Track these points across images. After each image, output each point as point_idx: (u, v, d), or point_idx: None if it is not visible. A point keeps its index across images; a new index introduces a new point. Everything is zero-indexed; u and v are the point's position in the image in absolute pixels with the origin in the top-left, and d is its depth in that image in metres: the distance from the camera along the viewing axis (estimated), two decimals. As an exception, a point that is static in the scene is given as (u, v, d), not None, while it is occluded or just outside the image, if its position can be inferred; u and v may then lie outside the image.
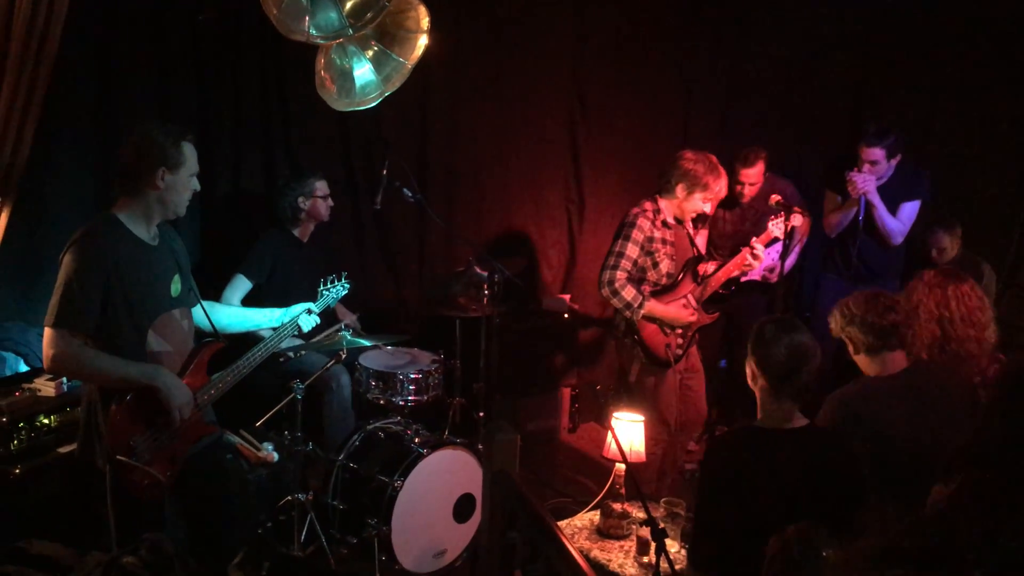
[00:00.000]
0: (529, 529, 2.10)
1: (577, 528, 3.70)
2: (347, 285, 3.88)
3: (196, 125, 4.45)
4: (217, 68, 4.59)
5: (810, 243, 5.15)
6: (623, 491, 3.69)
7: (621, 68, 5.75)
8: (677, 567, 3.16)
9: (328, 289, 3.78)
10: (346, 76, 3.49)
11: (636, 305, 4.24)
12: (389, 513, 3.78)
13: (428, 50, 3.50)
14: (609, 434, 3.71)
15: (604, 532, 3.63)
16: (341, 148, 5.11)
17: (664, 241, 4.32)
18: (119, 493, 2.86)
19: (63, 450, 3.53)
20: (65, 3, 3.51)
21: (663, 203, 4.34)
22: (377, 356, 4.34)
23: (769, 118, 5.91)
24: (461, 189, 5.59)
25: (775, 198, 4.44)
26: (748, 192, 5.11)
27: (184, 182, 2.98)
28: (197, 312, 3.25)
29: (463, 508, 4.06)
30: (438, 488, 4.00)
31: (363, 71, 3.52)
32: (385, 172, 4.25)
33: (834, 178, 4.87)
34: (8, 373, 3.78)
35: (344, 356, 3.97)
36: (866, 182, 4.59)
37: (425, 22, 3.46)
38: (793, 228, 4.26)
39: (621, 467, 3.70)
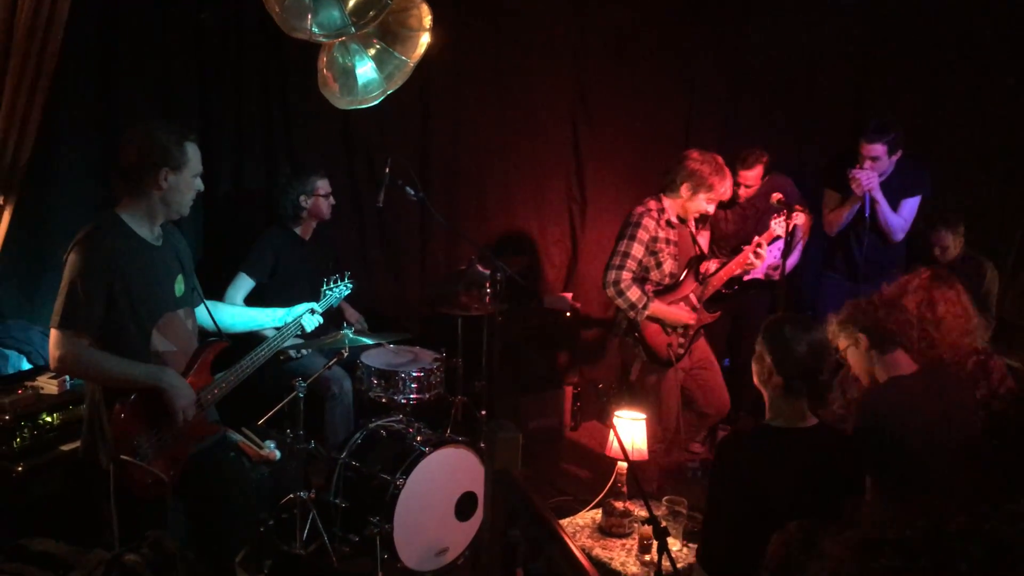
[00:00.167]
0: (531, 528, 2.10)
1: (579, 526, 3.71)
2: (350, 285, 3.88)
3: (198, 124, 4.46)
4: (219, 67, 4.59)
5: (811, 242, 5.15)
6: (625, 489, 3.70)
7: (623, 66, 5.75)
8: (679, 565, 3.16)
9: (331, 289, 3.78)
10: (348, 74, 3.50)
11: (641, 306, 4.24)
12: (391, 511, 3.78)
13: (430, 48, 3.51)
14: (611, 432, 3.71)
15: (606, 530, 3.64)
16: (343, 146, 5.12)
17: (668, 241, 4.32)
18: (122, 492, 2.87)
19: (65, 448, 3.54)
20: (67, 3, 3.52)
21: (667, 202, 4.35)
22: (379, 354, 4.35)
23: (770, 116, 5.90)
24: (463, 187, 5.59)
25: (776, 196, 4.44)
26: (744, 193, 5.11)
27: (187, 182, 2.97)
28: (200, 312, 3.25)
29: (465, 506, 4.06)
30: (440, 486, 4.00)
31: (365, 69, 3.52)
32: (387, 170, 4.25)
33: (833, 176, 4.87)
34: (10, 371, 3.78)
35: (346, 355, 3.97)
36: (870, 179, 4.58)
37: (427, 20, 3.46)
38: (795, 226, 4.26)
39: (623, 465, 3.70)
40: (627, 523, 3.63)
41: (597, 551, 3.51)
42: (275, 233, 4.50)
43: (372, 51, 3.50)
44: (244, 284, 4.33)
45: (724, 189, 4.29)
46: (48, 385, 3.61)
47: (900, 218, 4.75)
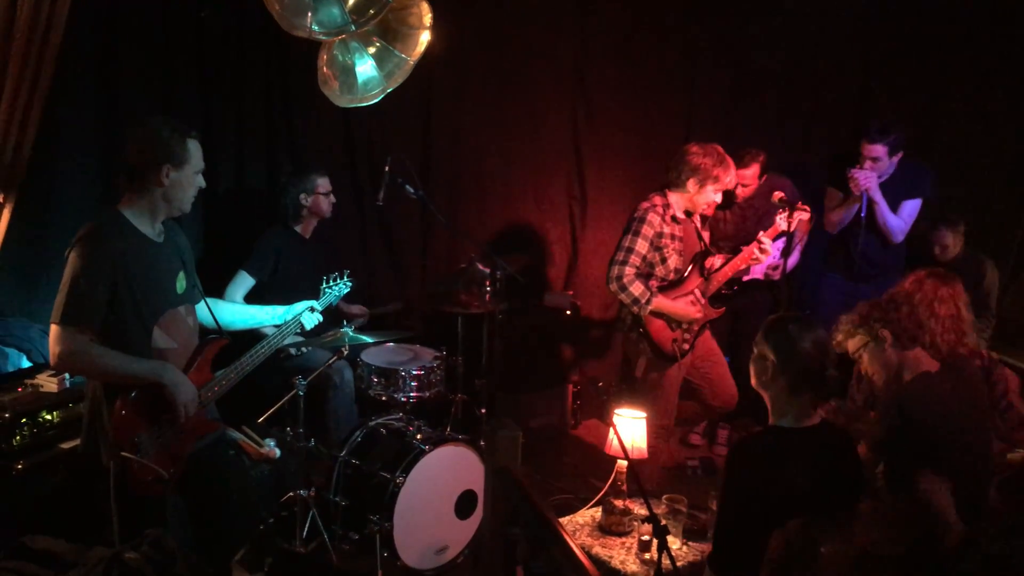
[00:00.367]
0: (531, 525, 2.10)
1: (579, 525, 3.71)
2: (350, 283, 3.88)
3: (199, 122, 4.46)
4: (220, 65, 4.59)
5: (811, 241, 5.15)
6: (625, 488, 3.70)
7: (624, 64, 5.74)
8: (679, 564, 3.16)
9: (331, 287, 3.78)
10: (348, 72, 3.50)
11: (644, 301, 4.24)
12: (391, 509, 3.79)
13: (430, 46, 3.50)
14: (611, 430, 3.71)
15: (606, 529, 3.64)
16: (344, 144, 5.12)
17: (673, 236, 4.33)
18: (123, 489, 2.87)
19: (66, 446, 3.54)
20: (67, 1, 3.52)
21: (673, 197, 4.35)
22: (379, 352, 4.35)
23: (772, 115, 5.90)
24: (463, 185, 5.59)
25: (778, 195, 4.44)
26: (742, 192, 5.11)
27: (189, 179, 2.97)
28: (201, 309, 3.25)
29: (465, 504, 4.06)
30: (440, 484, 4.00)
31: (365, 67, 3.52)
32: (387, 168, 4.24)
33: (835, 175, 4.87)
34: (10, 369, 3.78)
35: (346, 352, 3.98)
36: (868, 179, 4.58)
37: (427, 18, 3.46)
38: (796, 226, 4.26)
39: (623, 464, 3.70)
40: (627, 521, 3.63)
41: (597, 549, 3.51)
42: (276, 232, 4.50)
43: (372, 49, 3.49)
44: (244, 282, 4.34)
45: (730, 178, 4.31)
46: (48, 383, 3.61)
47: (900, 220, 4.75)
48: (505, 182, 5.69)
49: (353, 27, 3.06)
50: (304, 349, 4.33)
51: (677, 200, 4.35)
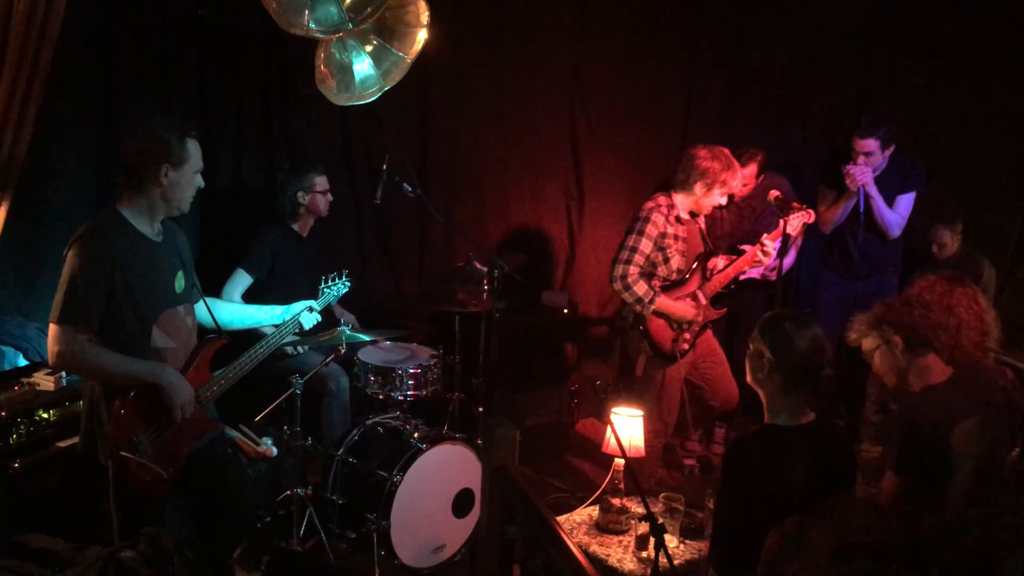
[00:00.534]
0: (528, 524, 2.10)
1: (576, 523, 3.71)
2: (348, 283, 3.88)
3: (197, 120, 4.45)
4: (218, 63, 4.59)
5: (807, 241, 5.14)
6: (622, 486, 3.70)
7: (622, 62, 5.74)
8: (676, 562, 3.17)
9: (329, 287, 3.78)
10: (345, 70, 3.49)
11: (647, 300, 4.26)
12: (388, 508, 3.79)
13: (427, 45, 3.50)
14: (608, 429, 3.71)
15: (603, 527, 3.64)
16: (341, 143, 5.11)
17: (676, 237, 4.35)
18: (121, 488, 2.87)
19: (62, 444, 3.53)
20: (64, -1, 3.52)
21: (678, 198, 4.37)
22: (376, 351, 4.35)
23: (770, 114, 5.90)
24: (461, 184, 5.58)
25: (774, 194, 4.44)
26: (739, 192, 5.11)
27: (188, 179, 2.97)
28: (200, 308, 3.25)
29: (462, 503, 4.07)
30: (437, 483, 4.00)
31: (362, 65, 3.52)
32: (385, 167, 4.24)
33: (827, 173, 4.87)
34: (7, 367, 3.78)
35: (343, 351, 3.97)
36: (863, 174, 4.59)
37: (425, 17, 3.45)
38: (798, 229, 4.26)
39: (620, 462, 3.70)
40: (624, 520, 3.63)
41: (594, 548, 3.51)
42: (273, 230, 4.50)
43: (369, 47, 3.49)
44: (242, 280, 4.33)
45: (736, 182, 4.34)
46: (44, 381, 3.61)
47: (896, 214, 4.75)
48: (503, 181, 5.69)
49: (350, 25, 3.05)
50: (301, 348, 4.33)
51: (682, 201, 4.37)
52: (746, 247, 4.57)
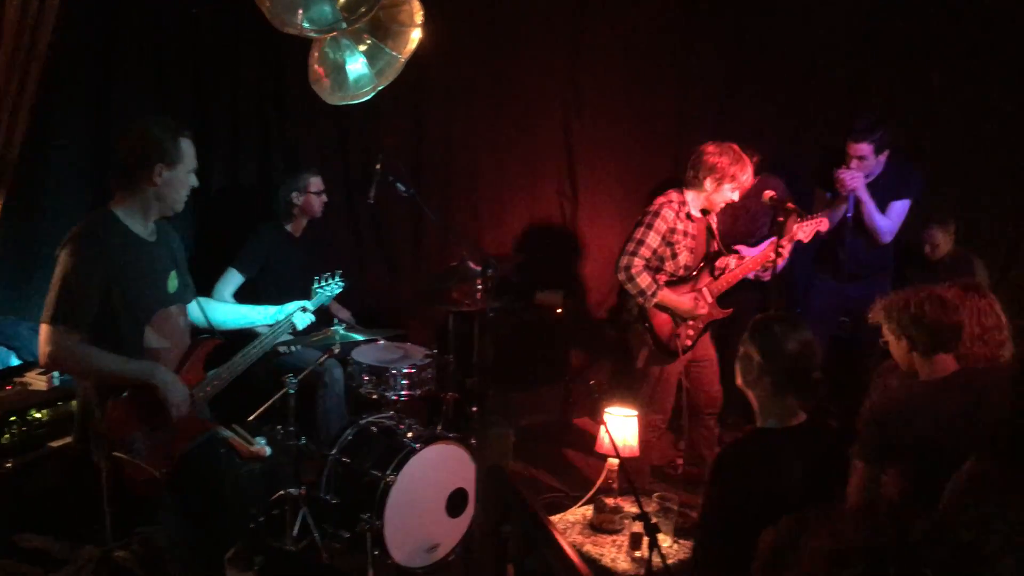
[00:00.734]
0: (522, 524, 2.10)
1: (570, 523, 3.71)
2: (341, 283, 3.87)
3: (191, 119, 4.44)
4: (212, 63, 4.58)
5: (800, 242, 5.15)
6: (616, 486, 3.70)
7: (617, 61, 5.74)
8: (669, 562, 3.17)
9: (322, 287, 3.77)
10: (339, 70, 3.49)
11: (649, 293, 4.29)
12: (382, 507, 3.78)
13: (422, 44, 3.50)
14: (602, 429, 3.71)
15: (597, 527, 3.64)
16: (335, 142, 5.11)
17: (686, 233, 4.38)
18: (115, 488, 2.86)
19: (55, 444, 3.53)
20: (56, -2, 3.51)
21: (689, 195, 4.40)
22: (370, 351, 4.34)
23: (765, 114, 5.91)
24: (455, 183, 5.58)
25: (768, 194, 4.45)
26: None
27: (182, 178, 2.96)
28: (193, 308, 3.25)
29: (456, 503, 4.06)
30: (431, 482, 4.00)
31: (356, 65, 3.51)
32: (379, 166, 4.24)
33: (823, 175, 4.87)
34: None
35: (337, 351, 3.97)
36: (854, 179, 4.57)
37: (419, 16, 3.45)
38: (783, 223, 4.26)
39: (614, 462, 3.70)
40: (618, 519, 3.63)
41: (588, 547, 3.51)
42: (267, 230, 4.49)
43: (363, 47, 3.49)
44: (233, 279, 4.33)
45: (746, 177, 4.34)
46: (37, 381, 3.61)
47: (888, 220, 4.73)
48: (497, 180, 5.69)
49: (344, 24, 3.05)
50: (295, 348, 4.33)
51: (694, 198, 4.39)
52: (740, 247, 4.59)
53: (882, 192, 4.70)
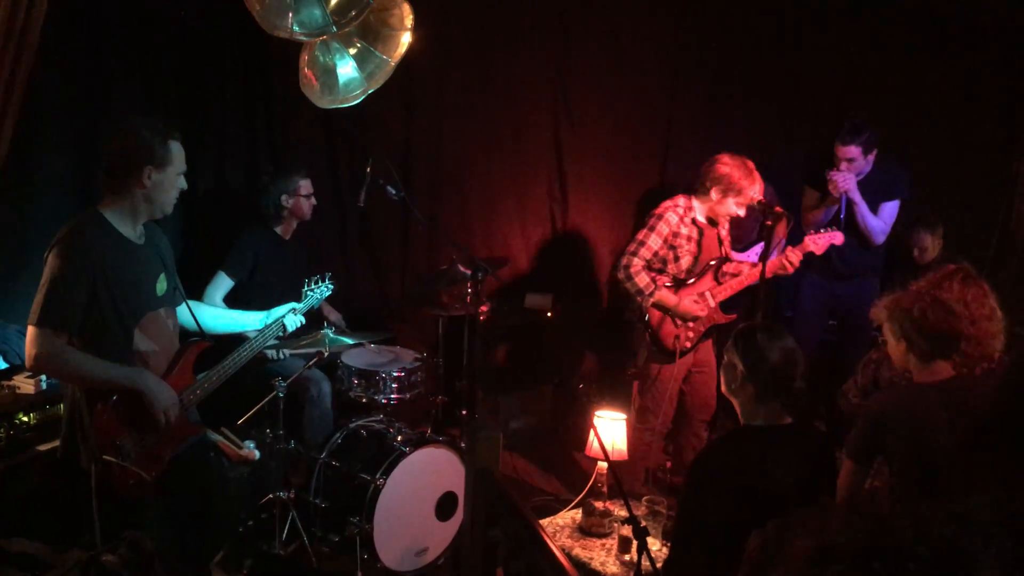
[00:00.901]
0: (511, 527, 2.10)
1: (559, 526, 3.71)
2: (331, 286, 3.87)
3: (180, 122, 4.43)
4: (202, 64, 4.57)
5: (790, 242, 5.17)
6: (605, 489, 3.71)
7: (605, 65, 5.75)
8: (658, 565, 3.17)
9: (312, 290, 3.77)
10: (329, 73, 3.49)
11: (647, 293, 4.33)
12: (371, 511, 3.78)
13: (412, 48, 3.50)
14: (591, 432, 3.72)
15: (586, 530, 3.64)
16: (325, 145, 5.11)
17: (690, 238, 4.42)
18: (103, 492, 2.85)
19: (43, 448, 3.51)
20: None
21: (696, 202, 4.44)
22: (360, 354, 4.34)
23: (754, 117, 5.92)
24: (445, 186, 5.58)
25: (756, 198, 4.46)
26: None
27: (171, 181, 2.95)
28: (182, 311, 3.24)
29: (445, 506, 4.06)
30: (420, 486, 4.00)
31: (346, 68, 3.52)
32: (369, 169, 4.24)
33: (812, 174, 4.89)
34: (-13, 370, 3.75)
35: (326, 355, 3.96)
36: (846, 180, 4.61)
37: (409, 20, 3.46)
38: (773, 228, 4.28)
39: (603, 465, 3.71)
40: (607, 523, 3.63)
41: (577, 551, 3.51)
42: (255, 232, 4.48)
43: (353, 50, 3.49)
44: (223, 283, 4.32)
45: (754, 193, 4.34)
46: (25, 384, 3.59)
47: (880, 221, 4.78)
48: (486, 183, 5.70)
49: (334, 28, 3.05)
50: (284, 354, 4.32)
51: (699, 205, 4.43)
52: (733, 253, 4.62)
53: (872, 193, 4.73)
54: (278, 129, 4.88)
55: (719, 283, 4.48)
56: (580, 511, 3.73)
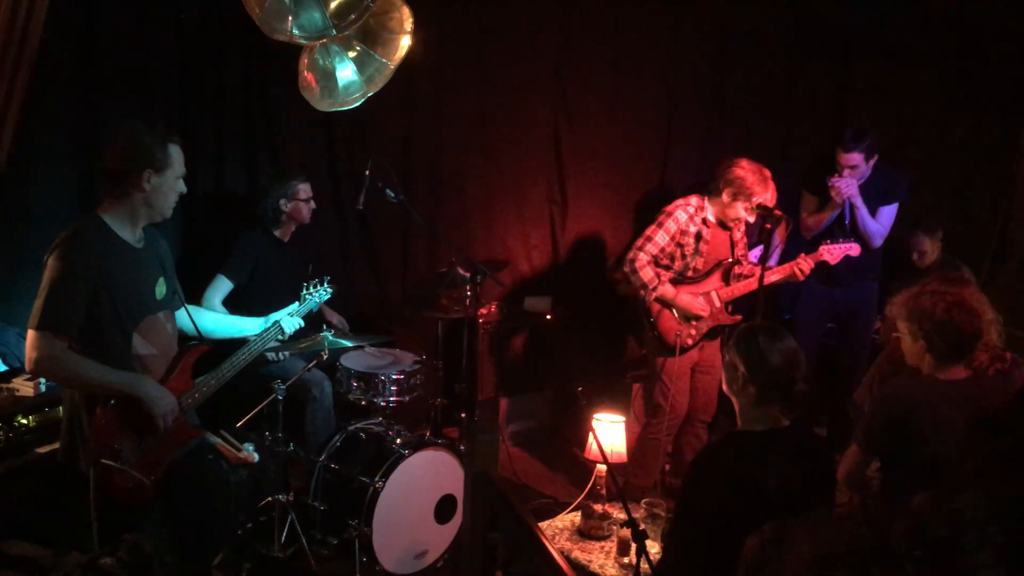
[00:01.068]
0: (510, 530, 2.10)
1: (558, 529, 3.71)
2: (330, 289, 3.87)
3: (178, 125, 4.43)
4: (200, 67, 4.57)
5: (789, 246, 5.18)
6: (604, 492, 3.71)
7: (605, 68, 5.76)
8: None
9: (311, 293, 3.77)
10: (329, 76, 3.49)
11: (651, 287, 4.40)
12: (370, 514, 3.78)
13: (411, 51, 3.50)
14: (590, 435, 3.72)
15: (585, 533, 3.65)
16: (324, 148, 5.10)
17: (699, 237, 4.45)
18: (102, 495, 2.84)
19: (42, 450, 3.51)
20: (46, 1, 3.49)
21: (709, 203, 4.47)
22: (359, 357, 4.34)
23: (753, 120, 5.94)
24: (444, 190, 5.58)
25: (755, 201, 4.47)
26: None
27: (170, 184, 2.95)
28: (181, 315, 3.24)
29: (445, 509, 4.06)
30: (420, 489, 4.00)
31: (346, 72, 3.51)
32: (368, 172, 4.24)
33: (812, 180, 4.90)
34: (-14, 373, 3.75)
35: (326, 357, 3.96)
36: (849, 187, 4.63)
37: (408, 23, 3.46)
38: (770, 231, 4.29)
39: (602, 468, 3.71)
40: (606, 526, 3.64)
41: (576, 553, 3.51)
42: (254, 236, 4.48)
43: (353, 53, 3.49)
44: (223, 286, 4.31)
45: (764, 200, 4.35)
46: (24, 387, 3.59)
47: (879, 225, 4.79)
48: (486, 186, 5.70)
49: (334, 31, 3.05)
50: (283, 356, 4.32)
51: (711, 206, 4.47)
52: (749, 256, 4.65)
53: (871, 198, 4.75)
54: (277, 132, 4.88)
55: (727, 284, 4.49)
56: (579, 514, 3.73)
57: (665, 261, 4.49)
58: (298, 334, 3.77)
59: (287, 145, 4.91)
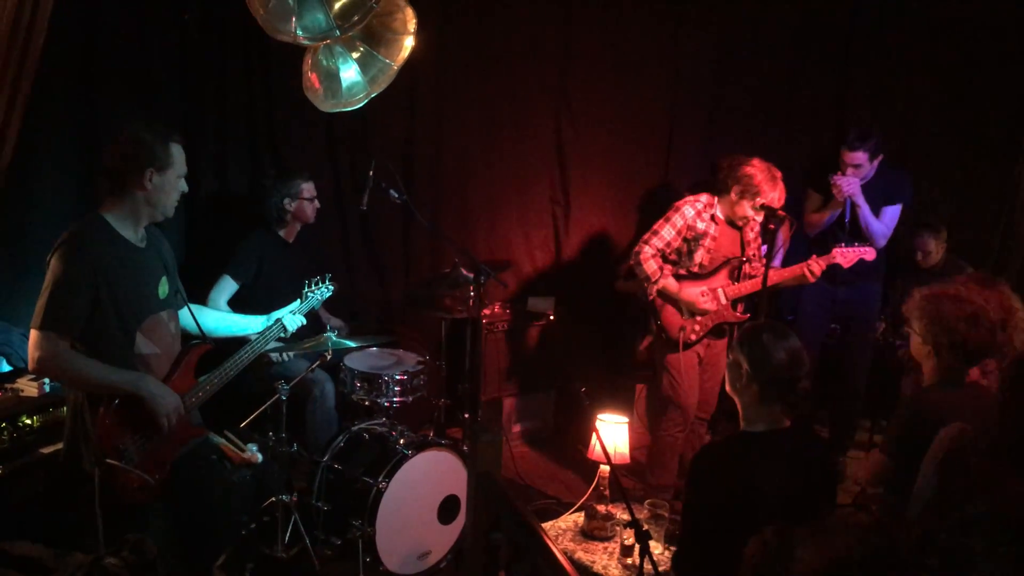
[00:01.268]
0: (513, 531, 2.10)
1: (561, 530, 3.71)
2: (331, 287, 3.87)
3: (181, 125, 4.44)
4: (203, 67, 4.57)
5: (793, 246, 5.17)
6: (607, 493, 3.71)
7: (607, 68, 5.77)
8: (660, 568, 3.17)
9: (313, 291, 3.77)
10: (332, 77, 3.49)
11: (653, 280, 4.44)
12: (374, 514, 3.78)
13: (414, 52, 3.51)
14: (594, 436, 3.72)
15: (588, 534, 3.64)
16: (327, 149, 5.10)
17: (706, 234, 4.47)
18: (106, 495, 2.85)
19: (46, 451, 3.51)
20: (50, 2, 3.50)
21: (718, 201, 4.48)
22: (362, 357, 4.34)
23: (755, 119, 5.93)
24: (447, 190, 5.59)
25: (759, 201, 4.46)
26: None
27: (172, 183, 2.96)
28: (183, 314, 3.24)
29: (448, 509, 4.06)
30: (423, 489, 3.99)
31: (349, 72, 3.52)
32: (371, 173, 4.24)
33: (816, 178, 4.90)
34: (-9, 373, 3.76)
35: (329, 357, 3.96)
36: (851, 185, 4.63)
37: (412, 24, 3.46)
38: (775, 231, 4.29)
39: (605, 469, 3.71)
40: (609, 526, 3.63)
41: (579, 554, 3.51)
42: (258, 235, 4.48)
43: (356, 54, 3.49)
44: (228, 286, 4.32)
45: (773, 200, 4.35)
46: (28, 387, 3.59)
47: (882, 224, 4.79)
48: (489, 186, 5.70)
49: (337, 32, 3.06)
50: (286, 356, 4.32)
51: (721, 205, 4.49)
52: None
53: (875, 198, 4.75)
54: (281, 132, 4.88)
55: (734, 281, 4.49)
56: (582, 514, 3.73)
57: (673, 257, 4.53)
58: (301, 334, 3.77)
59: (290, 146, 4.92)
